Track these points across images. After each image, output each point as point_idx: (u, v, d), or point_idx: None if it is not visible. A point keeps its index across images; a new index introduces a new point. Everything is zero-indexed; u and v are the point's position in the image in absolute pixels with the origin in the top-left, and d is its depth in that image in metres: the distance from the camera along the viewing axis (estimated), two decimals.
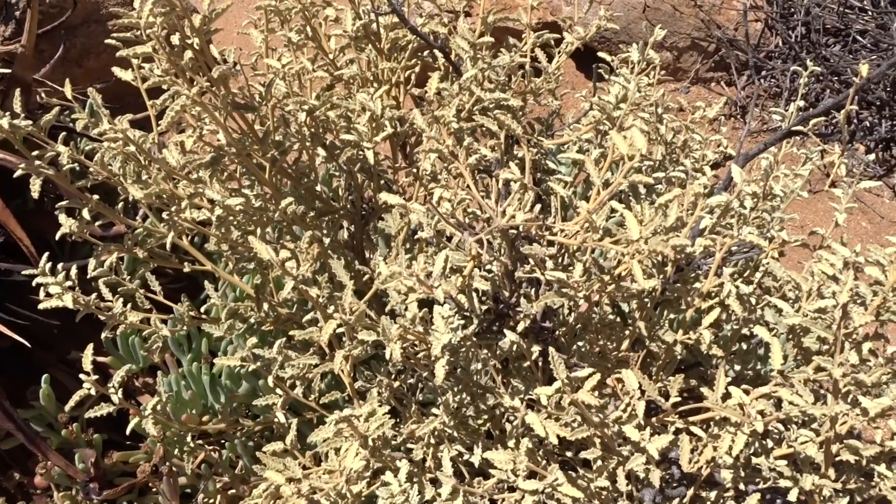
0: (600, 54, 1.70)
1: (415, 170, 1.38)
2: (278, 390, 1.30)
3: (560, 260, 1.08)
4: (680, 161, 1.55)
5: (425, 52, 1.49)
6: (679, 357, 1.24)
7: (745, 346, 1.45)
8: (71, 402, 1.35)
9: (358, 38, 1.34)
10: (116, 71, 1.42)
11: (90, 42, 3.11)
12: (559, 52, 1.61)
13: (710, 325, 1.15)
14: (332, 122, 1.30)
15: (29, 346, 1.55)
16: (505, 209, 1.02)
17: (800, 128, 1.26)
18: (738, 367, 1.39)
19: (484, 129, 1.46)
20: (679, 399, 1.00)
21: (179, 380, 1.70)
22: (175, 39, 1.13)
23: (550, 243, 1.03)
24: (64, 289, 1.19)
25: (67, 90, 1.34)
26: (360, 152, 1.29)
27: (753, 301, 1.37)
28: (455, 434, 1.18)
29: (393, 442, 1.21)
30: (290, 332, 1.28)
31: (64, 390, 1.70)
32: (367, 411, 1.05)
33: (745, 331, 1.34)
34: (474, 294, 0.99)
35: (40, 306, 1.24)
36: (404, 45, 1.46)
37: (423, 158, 1.24)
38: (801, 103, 1.53)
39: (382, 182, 1.40)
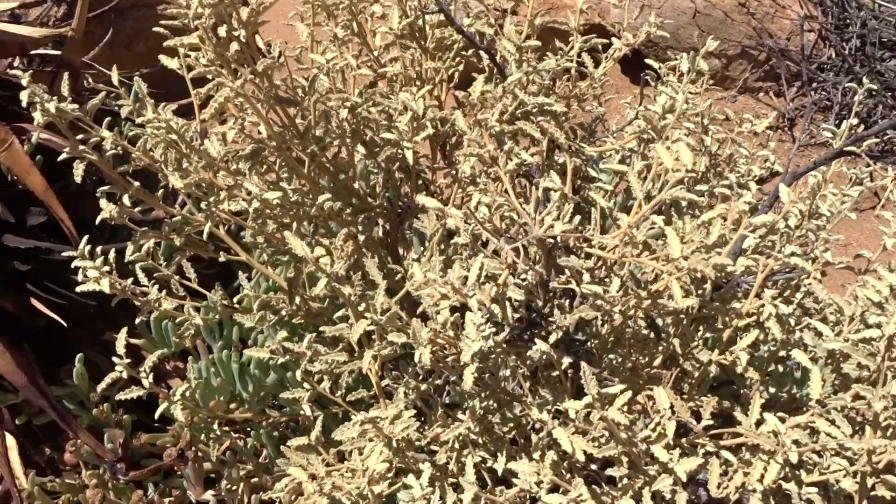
0: (647, 60, 1.67)
1: (454, 171, 1.37)
2: (305, 384, 1.30)
3: (597, 272, 1.06)
4: (725, 175, 1.52)
5: (470, 52, 1.48)
6: (713, 374, 1.21)
7: (781, 368, 1.42)
8: (102, 384, 1.37)
9: (403, 35, 1.33)
10: (162, 59, 1.43)
11: (139, 26, 3.15)
12: (606, 58, 1.58)
13: (747, 346, 1.12)
14: (373, 119, 1.30)
15: (65, 325, 1.57)
16: (543, 218, 1.01)
17: (852, 149, 1.22)
18: (772, 390, 1.36)
19: (525, 133, 1.44)
20: (711, 422, 0.98)
21: (209, 366, 1.71)
22: (222, 31, 1.13)
23: (588, 255, 1.02)
24: (102, 273, 1.21)
25: (114, 75, 1.36)
26: (400, 151, 1.28)
27: (793, 322, 1.33)
28: (480, 440, 1.17)
29: (417, 443, 1.21)
30: (321, 328, 1.27)
31: (97, 370, 1.72)
32: (392, 413, 1.04)
33: (782, 352, 1.31)
34: (507, 303, 0.98)
35: (78, 289, 1.25)
36: (450, 44, 1.45)
37: (463, 161, 1.23)
38: (854, 121, 1.48)
39: (420, 182, 1.39)
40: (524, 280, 1.01)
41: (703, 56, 1.47)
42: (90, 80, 1.34)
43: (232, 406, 1.74)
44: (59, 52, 1.85)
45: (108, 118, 1.38)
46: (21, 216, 1.68)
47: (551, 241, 1.02)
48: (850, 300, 1.34)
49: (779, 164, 1.60)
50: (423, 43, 1.40)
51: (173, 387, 1.89)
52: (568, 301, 1.09)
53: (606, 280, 1.03)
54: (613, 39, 1.59)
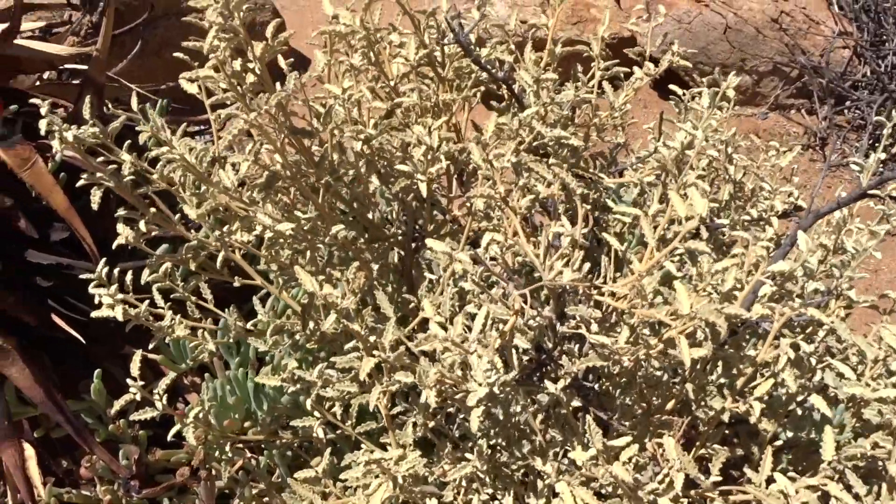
0: (672, 86, 1.65)
1: (469, 204, 1.36)
2: (316, 413, 1.31)
3: (608, 318, 1.05)
4: (746, 209, 1.49)
5: (488, 77, 1.47)
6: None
7: (799, 410, 1.39)
8: (116, 406, 1.38)
9: (420, 65, 1.32)
10: (183, 83, 1.44)
11: (169, 34, 3.19)
12: (627, 86, 1.56)
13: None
14: (388, 150, 1.29)
15: (83, 342, 1.59)
16: (553, 264, 0.99)
17: (876, 192, 1.18)
18: (790, 434, 1.33)
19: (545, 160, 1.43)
20: (720, 478, 0.96)
21: (225, 384, 1.72)
22: (237, 64, 1.13)
23: (598, 303, 1.00)
24: (115, 301, 1.22)
25: (133, 101, 1.37)
26: (414, 183, 1.28)
27: (814, 361, 1.30)
28: (487, 479, 1.16)
29: (424, 476, 1.20)
30: (332, 359, 1.27)
31: (116, 384, 1.75)
32: (397, 455, 1.04)
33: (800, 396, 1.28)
34: (514, 350, 0.97)
35: (93, 314, 1.27)
36: (468, 72, 1.44)
37: (476, 198, 1.22)
38: (882, 155, 1.44)
39: (435, 212, 1.39)
40: (533, 324, 1.00)
41: (728, 72, 1.44)
42: (109, 106, 1.35)
43: (246, 424, 1.75)
44: (84, 66, 1.87)
45: (128, 142, 1.39)
46: (44, 231, 1.70)
47: (560, 286, 1.01)
48: (874, 342, 1.30)
49: (802, 199, 1.57)
50: (440, 72, 1.39)
51: (190, 402, 1.91)
52: (577, 345, 1.08)
53: (617, 328, 1.02)
54: (635, 69, 1.57)
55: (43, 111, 1.19)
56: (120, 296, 1.23)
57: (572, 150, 1.35)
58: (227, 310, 1.52)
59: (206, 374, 1.76)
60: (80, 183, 1.28)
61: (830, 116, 3.06)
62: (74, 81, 2.04)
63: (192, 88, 1.42)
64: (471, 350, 0.83)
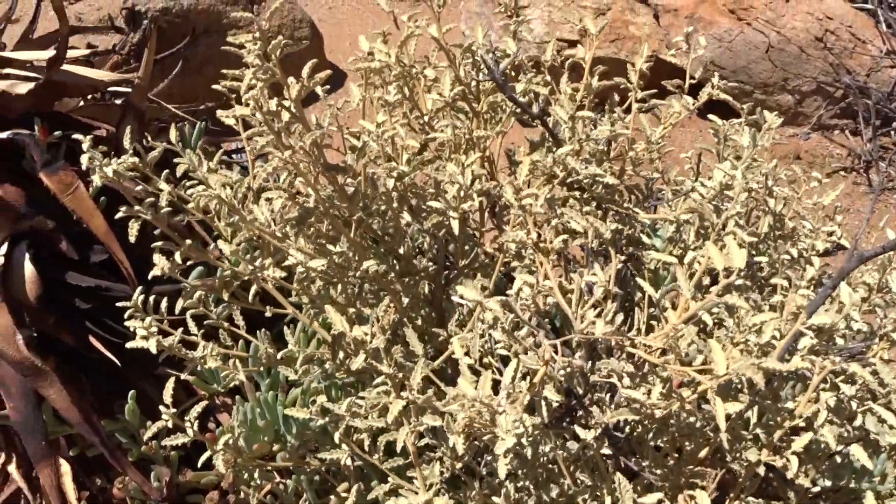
0: (711, 117, 1.62)
1: (501, 241, 1.35)
2: (344, 446, 1.31)
3: (639, 368, 1.03)
4: (786, 248, 1.45)
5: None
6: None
7: (838, 458, 1.35)
8: (148, 434, 1.40)
9: (455, 100, 1.32)
10: (220, 113, 1.46)
11: (210, 51, 3.24)
12: (666, 119, 1.54)
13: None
14: (420, 185, 1.29)
15: (119, 364, 1.62)
16: (585, 313, 0.98)
17: None
18: (828, 483, 1.29)
19: (580, 194, 1.42)
20: None
21: (255, 408, 1.74)
22: (272, 104, 1.14)
23: (630, 355, 0.98)
24: (150, 333, 1.24)
25: (172, 134, 1.39)
26: (447, 219, 1.27)
27: (854, 405, 1.27)
28: None
29: None
30: (360, 393, 1.28)
31: (150, 403, 1.77)
32: (423, 501, 1.03)
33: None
34: (543, 402, 0.96)
35: (127, 345, 1.29)
36: (502, 105, 1.43)
37: (508, 241, 1.21)
38: None
39: (467, 247, 1.38)
40: (563, 374, 0.99)
41: (770, 92, 1.41)
42: (149, 138, 1.37)
43: (275, 448, 1.77)
44: (128, 90, 1.91)
45: (166, 171, 1.41)
46: (84, 253, 1.74)
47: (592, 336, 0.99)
48: None
49: (845, 234, 1.53)
50: (474, 107, 1.39)
51: (221, 422, 1.93)
52: (609, 394, 1.06)
53: (649, 378, 1.00)
54: (673, 101, 1.55)
55: (85, 146, 1.22)
56: (154, 327, 1.25)
57: (607, 187, 1.33)
58: (258, 333, 1.54)
59: (238, 396, 1.78)
60: (119, 215, 1.30)
61: (875, 138, 2.99)
62: (117, 101, 2.08)
63: (228, 120, 1.43)
64: (499, 410, 0.83)
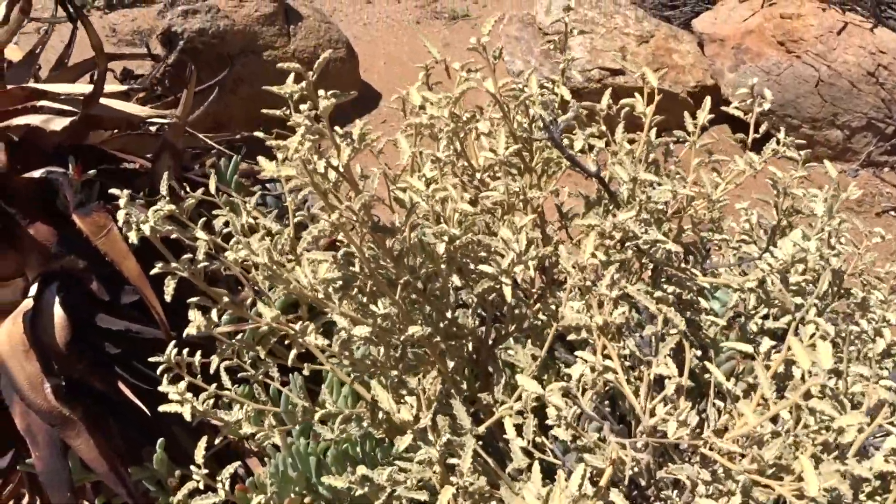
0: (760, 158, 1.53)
1: (554, 305, 1.28)
2: None
3: (714, 470, 0.95)
4: (855, 319, 1.36)
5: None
6: None
7: None
8: (178, 496, 1.34)
9: (509, 158, 1.25)
10: (262, 161, 1.40)
11: (245, 71, 3.20)
12: (726, 178, 1.45)
13: None
14: (470, 248, 1.22)
15: (148, 413, 1.56)
16: (654, 407, 0.90)
17: None
18: None
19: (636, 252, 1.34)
20: None
21: (286, 458, 1.68)
22: (320, 165, 1.08)
23: (703, 457, 0.91)
24: (184, 399, 1.18)
25: (211, 184, 1.33)
26: (498, 285, 1.20)
27: None
28: None
29: None
30: (402, 466, 1.21)
31: (179, 449, 1.72)
32: None
33: None
34: None
35: (160, 409, 1.23)
36: (557, 160, 1.36)
37: (565, 306, 1.14)
38: None
39: (517, 311, 1.31)
40: (629, 472, 0.91)
41: (849, 192, 1.33)
42: (186, 189, 1.32)
43: (307, 500, 1.70)
44: (164, 120, 1.86)
45: (203, 220, 1.36)
46: (115, 293, 1.69)
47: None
48: None
49: None
50: (528, 162, 1.32)
51: (251, 467, 1.87)
52: (676, 492, 0.98)
53: (725, 480, 0.92)
54: (737, 156, 1.46)
55: (121, 202, 1.16)
56: (189, 394, 1.19)
57: (669, 258, 1.25)
58: (291, 379, 1.48)
59: (267, 447, 1.72)
60: (155, 271, 1.24)
61: None
62: (151, 129, 2.04)
63: (270, 167, 1.38)
64: None
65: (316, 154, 1.12)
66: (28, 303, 1.55)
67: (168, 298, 1.22)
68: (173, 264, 1.22)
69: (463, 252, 1.23)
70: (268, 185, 2.40)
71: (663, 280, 1.42)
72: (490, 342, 1.38)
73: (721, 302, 1.50)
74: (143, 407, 1.57)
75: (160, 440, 1.65)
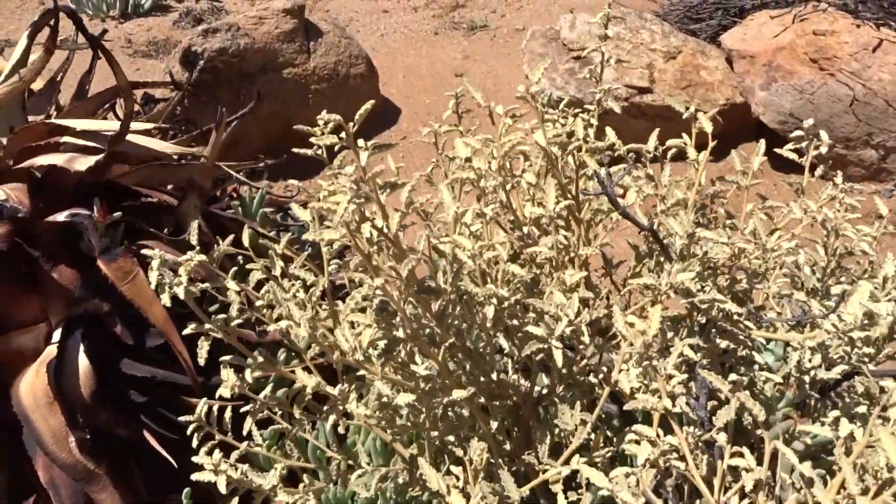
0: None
1: (605, 367, 1.21)
2: None
3: None
4: None
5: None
6: None
7: None
8: None
9: (560, 215, 1.19)
10: (295, 209, 1.35)
11: (266, 89, 3.14)
12: (779, 233, 1.39)
13: None
14: (519, 308, 1.16)
15: (174, 464, 1.51)
16: (728, 501, 0.84)
17: None
18: None
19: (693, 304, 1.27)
20: None
21: None
22: (365, 229, 1.02)
23: None
24: (218, 470, 1.12)
25: (245, 237, 1.27)
26: (547, 347, 1.14)
27: None
28: None
29: None
30: None
31: (206, 495, 1.67)
32: None
33: None
34: None
35: (192, 477, 1.17)
36: (606, 211, 1.30)
37: (618, 370, 1.07)
38: None
39: (565, 371, 1.25)
40: None
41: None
42: (218, 241, 1.26)
43: None
44: (192, 156, 1.80)
45: (235, 269, 1.30)
46: (140, 336, 1.64)
47: None
48: None
49: None
50: (577, 215, 1.25)
51: None
52: None
53: None
54: (792, 203, 1.39)
55: (154, 263, 1.11)
56: (224, 466, 1.13)
57: (730, 319, 1.18)
58: (321, 432, 1.42)
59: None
60: (187, 331, 1.19)
61: None
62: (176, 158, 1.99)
63: (304, 215, 1.32)
64: None
65: (358, 213, 1.06)
66: (52, 351, 1.50)
67: (202, 362, 1.17)
68: (207, 325, 1.17)
69: (510, 312, 1.17)
70: (291, 212, 2.34)
71: (714, 332, 1.36)
72: (534, 397, 1.32)
73: (775, 355, 1.43)
74: (169, 457, 1.52)
75: (186, 490, 1.60)
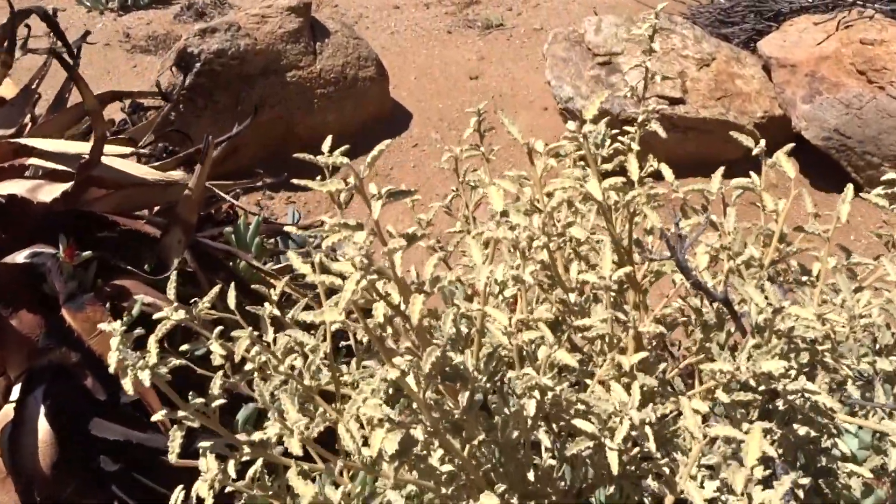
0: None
1: (667, 467, 0.99)
2: None
3: None
4: None
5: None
6: None
7: None
8: None
9: (620, 284, 0.97)
10: (292, 257, 1.13)
11: (265, 94, 2.91)
12: (866, 278, 1.16)
13: None
14: (562, 401, 0.94)
15: None
16: None
17: None
18: None
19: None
20: None
21: None
22: (378, 312, 0.80)
23: None
24: None
25: (231, 298, 1.06)
26: (599, 442, 0.92)
27: None
28: None
29: None
30: None
31: None
32: None
33: None
34: None
35: None
36: (665, 271, 1.08)
37: (685, 478, 0.86)
38: None
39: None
40: None
41: None
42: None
43: None
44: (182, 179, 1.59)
45: (220, 328, 1.09)
46: (113, 390, 1.42)
47: None
48: None
49: None
50: (633, 276, 1.03)
51: None
52: None
53: None
54: (884, 259, 1.17)
55: (114, 342, 0.89)
56: None
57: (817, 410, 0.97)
58: None
59: None
60: (156, 417, 0.98)
61: None
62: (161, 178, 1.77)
63: (314, 275, 1.11)
64: None
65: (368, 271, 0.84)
66: (8, 412, 1.29)
67: (173, 459, 0.95)
68: (181, 413, 0.95)
69: (555, 404, 0.95)
70: (291, 234, 2.12)
71: (789, 416, 1.14)
72: (574, 495, 1.10)
73: (861, 442, 1.21)
74: None
75: None
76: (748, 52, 3.20)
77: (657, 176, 1.23)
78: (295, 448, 0.81)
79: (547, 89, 3.22)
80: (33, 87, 1.86)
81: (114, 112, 2.44)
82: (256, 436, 0.89)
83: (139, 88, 3.58)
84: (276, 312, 1.21)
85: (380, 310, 0.80)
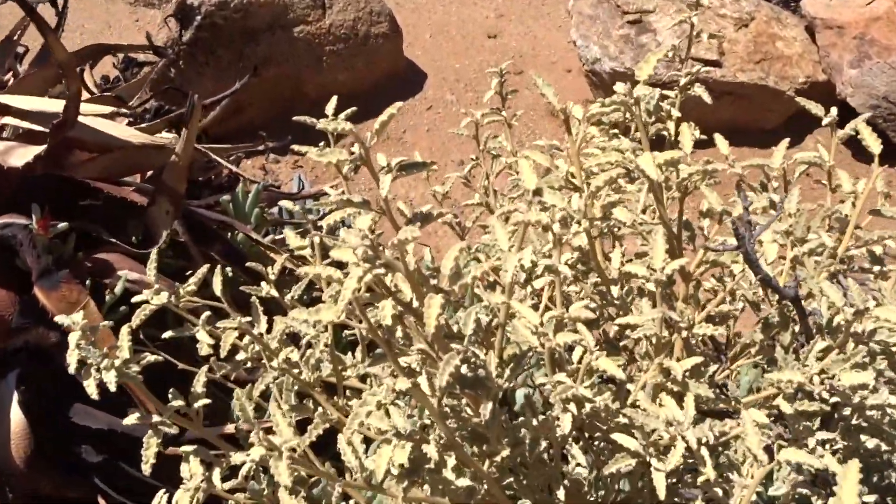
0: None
1: (720, 489, 0.86)
2: None
3: None
4: None
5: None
6: None
7: None
8: None
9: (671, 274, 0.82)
10: (291, 240, 0.99)
11: (271, 50, 2.73)
12: None
13: None
14: (601, 413, 0.80)
15: None
16: None
17: None
18: None
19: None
20: None
21: None
22: (387, 313, 0.66)
23: None
24: None
25: (217, 284, 0.92)
26: (643, 467, 0.79)
27: None
28: None
29: None
30: None
31: None
32: None
33: None
34: None
35: None
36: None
37: None
38: None
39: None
40: None
41: None
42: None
43: None
44: (170, 149, 1.44)
45: (208, 313, 0.96)
46: None
47: None
48: None
49: None
50: (684, 267, 0.89)
51: None
52: None
53: None
54: None
55: (72, 338, 0.76)
56: None
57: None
58: None
59: None
60: (129, 421, 0.85)
61: None
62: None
63: (300, 244, 0.97)
64: None
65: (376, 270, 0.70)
66: None
67: (147, 469, 0.83)
68: (154, 418, 0.82)
69: (593, 415, 0.81)
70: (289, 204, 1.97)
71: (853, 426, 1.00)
72: None
73: None
74: None
75: None
76: (789, 11, 2.99)
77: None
78: (284, 477, 0.67)
79: (570, 49, 3.03)
80: (14, 38, 1.71)
81: (107, 68, 2.28)
82: (238, 458, 0.75)
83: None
84: (274, 293, 1.08)
85: (387, 309, 0.66)
